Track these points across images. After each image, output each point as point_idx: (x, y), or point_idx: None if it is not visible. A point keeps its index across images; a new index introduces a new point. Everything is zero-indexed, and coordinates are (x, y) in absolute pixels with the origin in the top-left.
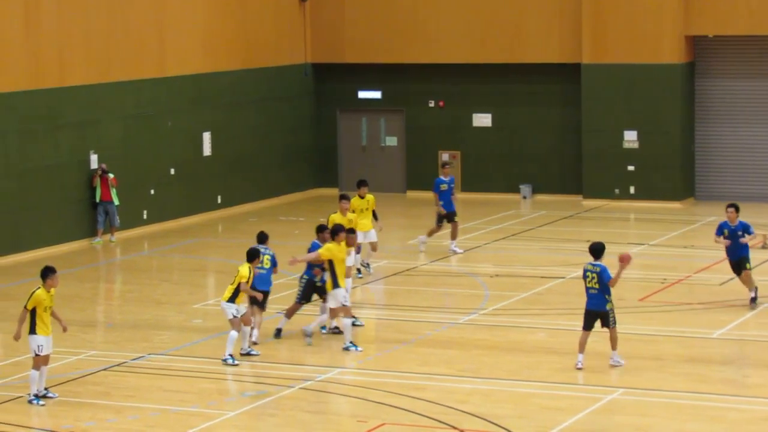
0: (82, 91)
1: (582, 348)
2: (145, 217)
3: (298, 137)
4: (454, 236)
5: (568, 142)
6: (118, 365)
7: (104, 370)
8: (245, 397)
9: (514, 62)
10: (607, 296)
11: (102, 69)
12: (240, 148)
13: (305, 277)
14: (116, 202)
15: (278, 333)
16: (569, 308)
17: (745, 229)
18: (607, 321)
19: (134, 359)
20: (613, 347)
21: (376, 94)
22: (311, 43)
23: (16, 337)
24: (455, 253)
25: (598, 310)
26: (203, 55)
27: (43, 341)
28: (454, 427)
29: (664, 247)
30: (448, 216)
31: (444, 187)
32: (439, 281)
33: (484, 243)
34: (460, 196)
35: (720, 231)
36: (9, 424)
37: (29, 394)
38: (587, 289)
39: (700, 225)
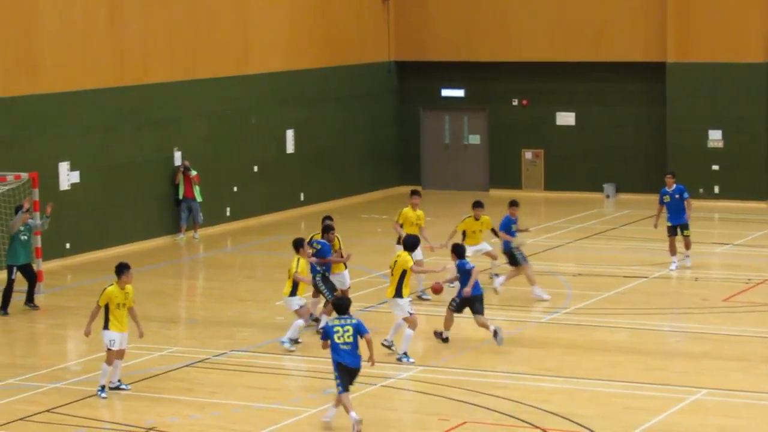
0: (166, 88)
1: (350, 407)
2: (228, 214)
3: (381, 135)
4: (687, 246)
5: (652, 141)
6: (200, 361)
7: (187, 366)
8: (327, 395)
9: (599, 61)
10: (358, 352)
11: (186, 66)
12: (323, 145)
13: (318, 275)
14: (199, 199)
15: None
16: (652, 308)
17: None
18: (354, 379)
19: (217, 355)
20: (348, 410)
21: (460, 92)
22: (394, 40)
23: (87, 333)
24: (685, 266)
25: (355, 368)
26: (287, 53)
27: (115, 336)
28: (537, 426)
29: (748, 247)
30: (681, 227)
31: (667, 198)
32: (523, 280)
33: (567, 242)
34: (543, 195)
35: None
36: (92, 419)
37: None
38: (337, 345)
39: None
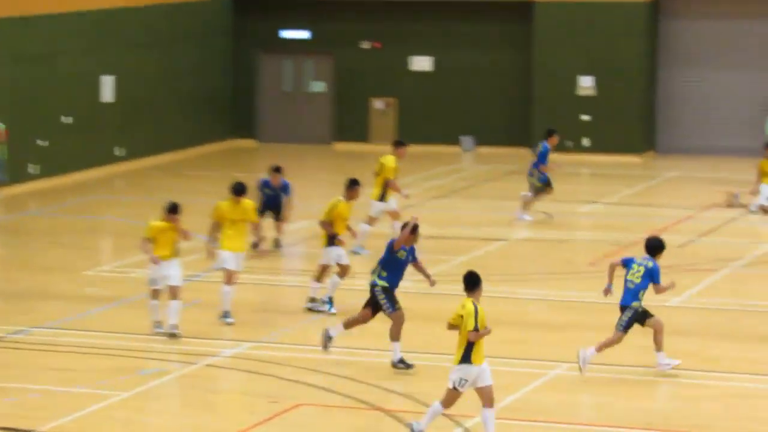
0: None
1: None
2: (32, 171)
3: (211, 81)
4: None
5: (516, 88)
6: None
7: None
8: (142, 375)
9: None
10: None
11: None
12: (144, 93)
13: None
14: (3, 155)
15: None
16: (513, 273)
17: None
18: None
19: (14, 333)
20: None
21: (304, 34)
22: None
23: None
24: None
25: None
26: None
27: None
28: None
29: (619, 206)
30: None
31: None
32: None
33: (421, 201)
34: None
35: None
36: None
37: None
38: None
39: (661, 181)
